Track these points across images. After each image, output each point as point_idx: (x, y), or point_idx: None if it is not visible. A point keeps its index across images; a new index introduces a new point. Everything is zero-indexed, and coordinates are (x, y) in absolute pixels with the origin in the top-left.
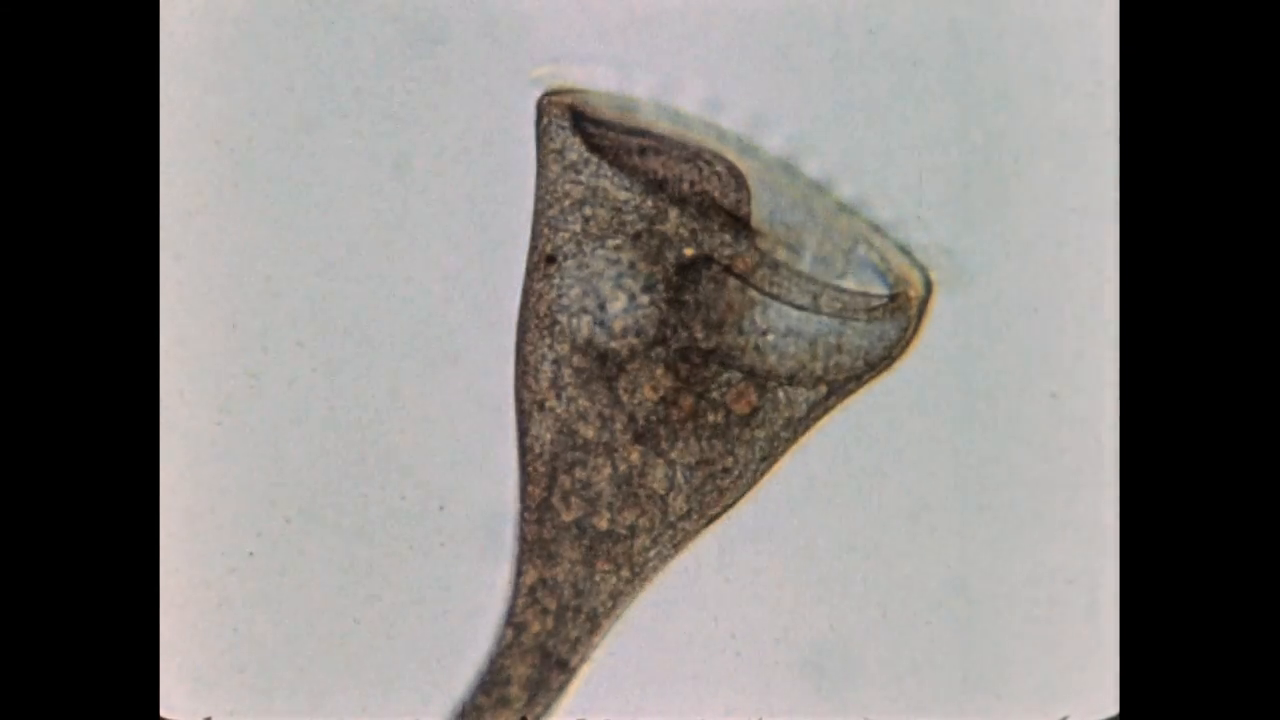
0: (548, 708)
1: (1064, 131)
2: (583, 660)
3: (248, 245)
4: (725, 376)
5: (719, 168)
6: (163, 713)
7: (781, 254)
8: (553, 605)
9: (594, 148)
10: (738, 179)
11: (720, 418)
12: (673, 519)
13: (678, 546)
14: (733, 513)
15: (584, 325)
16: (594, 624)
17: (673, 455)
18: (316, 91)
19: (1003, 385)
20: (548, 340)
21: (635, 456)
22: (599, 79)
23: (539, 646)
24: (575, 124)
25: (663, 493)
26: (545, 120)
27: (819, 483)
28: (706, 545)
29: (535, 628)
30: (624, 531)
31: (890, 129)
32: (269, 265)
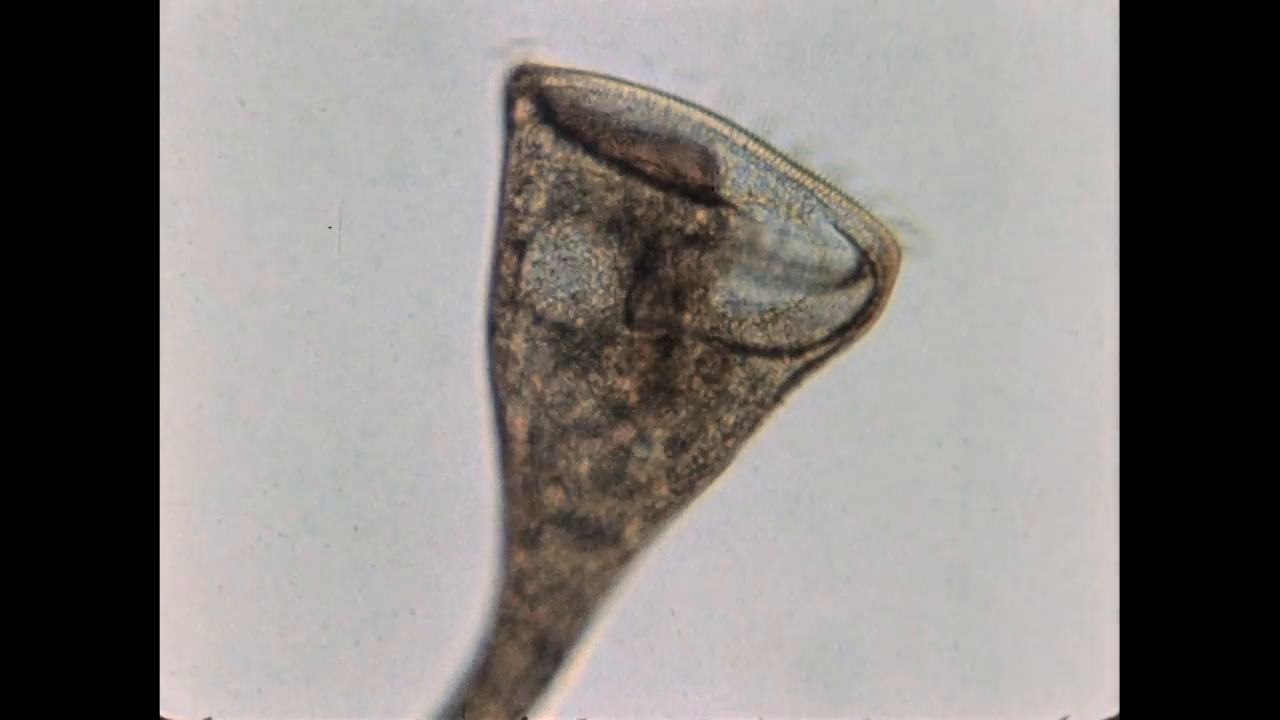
0: (541, 699)
1: (1063, 126)
2: (574, 648)
3: (246, 243)
4: (699, 351)
5: (689, 144)
6: (163, 713)
7: (749, 224)
8: (540, 593)
9: (561, 127)
10: (705, 152)
11: (695, 392)
12: (655, 497)
13: (662, 525)
14: (726, 506)
15: (555, 306)
16: (584, 610)
17: (652, 434)
18: (315, 89)
19: (1002, 380)
20: (519, 323)
21: (614, 436)
22: (566, 57)
23: (528, 636)
24: (540, 101)
25: (644, 472)
26: (509, 99)
27: (818, 482)
28: (705, 545)
29: (523, 617)
30: (607, 514)
31: (886, 120)
32: (264, 262)
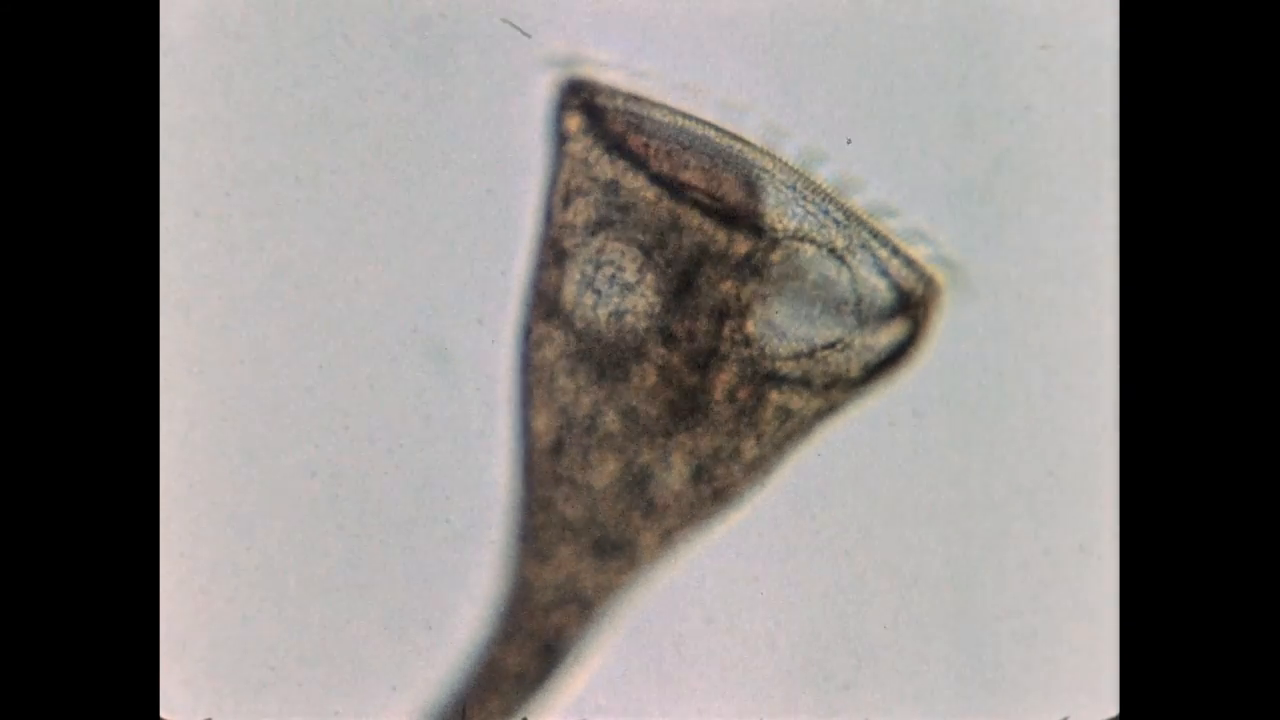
0: (542, 700)
1: (1064, 131)
2: (577, 653)
3: (248, 244)
4: (732, 378)
5: (734, 169)
6: (163, 713)
7: (791, 257)
8: (549, 601)
9: (612, 143)
10: (751, 181)
11: (725, 419)
12: (673, 519)
13: (678, 544)
14: (734, 513)
15: (593, 321)
16: (590, 617)
17: (676, 456)
18: (316, 89)
19: (1003, 386)
20: (554, 335)
21: (638, 455)
22: (614, 76)
23: (534, 641)
24: (592, 117)
25: (664, 493)
26: (561, 112)
27: (820, 484)
28: (706, 547)
29: (531, 623)
30: (624, 529)
31: (893, 132)
32: (271, 262)
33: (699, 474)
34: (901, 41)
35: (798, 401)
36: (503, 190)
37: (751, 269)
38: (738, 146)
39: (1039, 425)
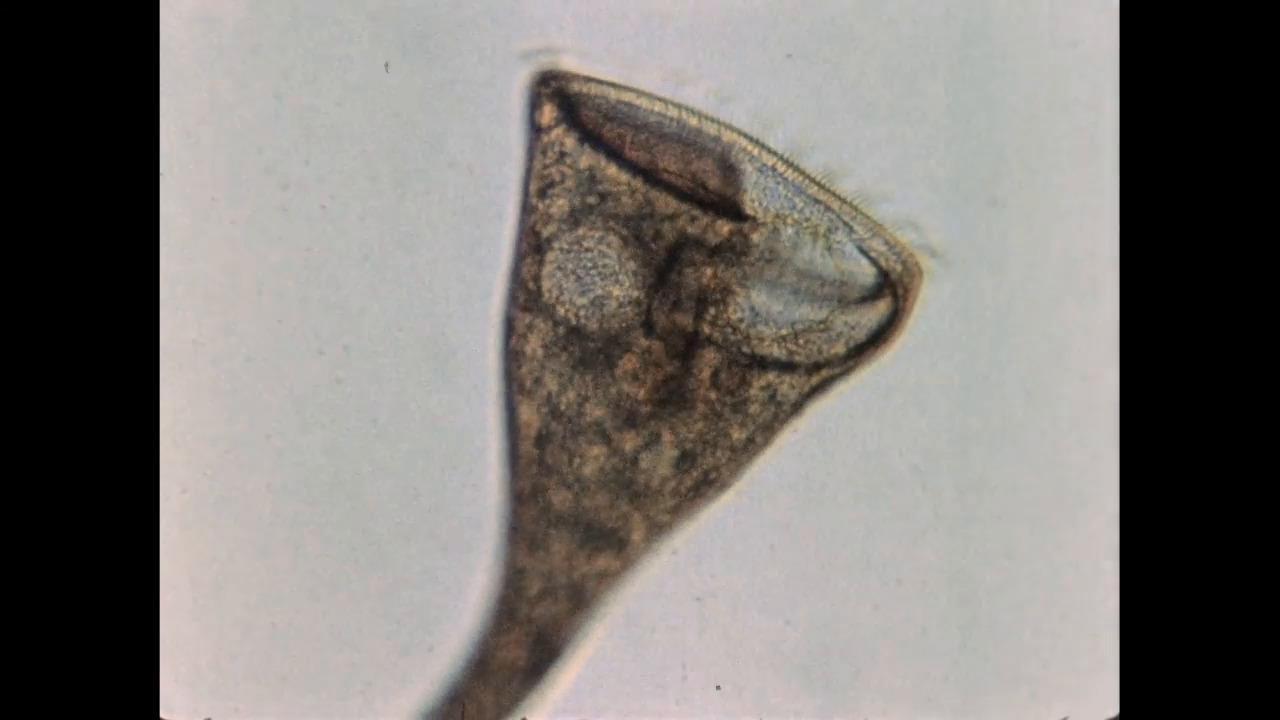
0: (537, 692)
1: (1064, 128)
2: (573, 644)
3: (247, 244)
4: (715, 362)
5: (711, 154)
6: (163, 713)
7: (772, 240)
8: (541, 592)
9: (586, 132)
10: (729, 165)
11: (710, 404)
12: (662, 506)
13: (669, 531)
14: (727, 506)
15: (574, 310)
16: (584, 607)
17: (662, 442)
18: (314, 90)
19: (1002, 382)
20: (536, 325)
21: (624, 442)
22: (591, 65)
23: (527, 632)
24: (565, 107)
25: (652, 480)
26: (535, 103)
27: (817, 480)
28: (706, 545)
29: (524, 614)
30: (613, 517)
31: (888, 125)
32: (267, 260)
33: (687, 459)
34: (895, 35)
35: (783, 383)
36: (484, 183)
37: (732, 253)
38: (714, 130)
39: (1040, 425)
